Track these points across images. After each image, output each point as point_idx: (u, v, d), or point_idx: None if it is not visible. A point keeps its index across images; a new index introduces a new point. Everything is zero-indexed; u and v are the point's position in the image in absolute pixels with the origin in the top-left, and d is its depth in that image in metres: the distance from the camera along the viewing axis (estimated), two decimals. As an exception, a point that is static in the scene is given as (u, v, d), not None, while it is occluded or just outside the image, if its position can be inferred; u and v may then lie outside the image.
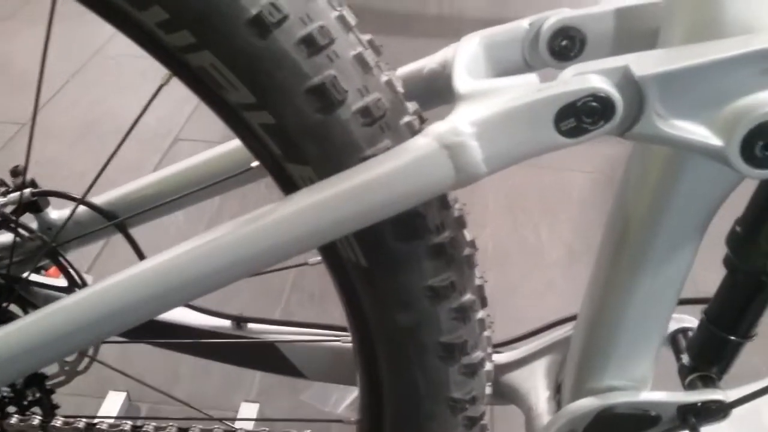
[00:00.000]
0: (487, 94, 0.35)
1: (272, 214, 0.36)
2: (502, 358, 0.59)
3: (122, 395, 1.09)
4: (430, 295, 0.44)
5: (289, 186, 0.42)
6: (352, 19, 0.40)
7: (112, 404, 1.09)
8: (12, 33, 2.07)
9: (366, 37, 0.41)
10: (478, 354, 0.48)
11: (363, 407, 0.54)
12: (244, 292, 1.26)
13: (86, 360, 0.66)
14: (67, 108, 1.77)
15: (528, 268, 1.37)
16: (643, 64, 0.33)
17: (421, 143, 0.35)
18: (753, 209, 0.43)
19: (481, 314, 0.48)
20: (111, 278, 0.37)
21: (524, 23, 0.43)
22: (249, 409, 1.06)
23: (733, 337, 0.46)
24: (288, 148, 0.40)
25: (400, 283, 0.43)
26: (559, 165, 1.61)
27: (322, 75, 0.37)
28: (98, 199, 0.58)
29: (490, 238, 1.45)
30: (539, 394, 0.55)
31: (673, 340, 0.52)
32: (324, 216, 0.36)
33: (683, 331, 0.52)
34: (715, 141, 0.34)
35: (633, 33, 0.41)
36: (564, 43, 0.42)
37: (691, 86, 0.34)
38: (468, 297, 0.45)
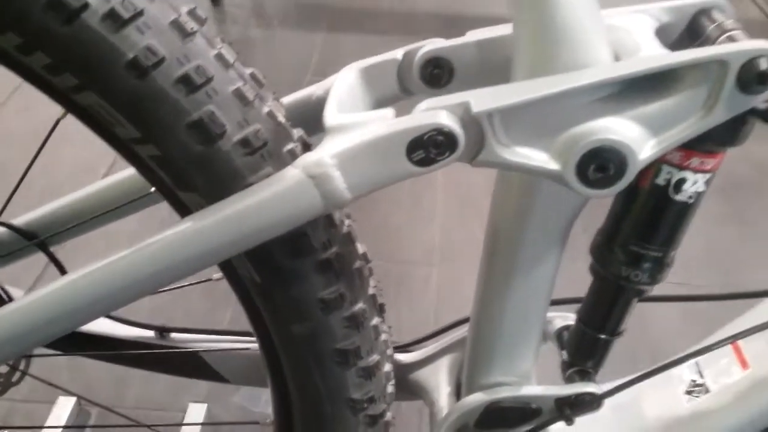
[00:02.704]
0: (348, 127, 0.39)
1: (164, 239, 0.40)
2: (408, 357, 0.63)
3: (72, 400, 1.11)
4: (322, 306, 0.47)
5: (184, 211, 0.45)
6: (231, 56, 0.43)
7: (62, 410, 1.11)
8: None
9: (248, 71, 0.44)
10: (374, 357, 0.52)
11: (275, 409, 0.57)
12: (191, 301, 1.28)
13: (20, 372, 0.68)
14: (18, 113, 1.77)
15: (474, 260, 1.42)
16: (482, 100, 0.37)
17: (291, 174, 0.39)
18: (610, 221, 0.47)
19: (375, 321, 0.51)
20: (26, 297, 0.40)
21: (398, 54, 0.47)
22: (196, 410, 1.09)
23: (602, 336, 0.51)
24: (176, 178, 0.43)
25: (292, 296, 0.47)
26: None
27: (201, 111, 0.40)
28: (19, 219, 0.60)
29: (438, 232, 1.49)
30: (441, 390, 0.59)
31: (559, 336, 0.57)
32: (208, 240, 0.40)
33: (567, 328, 0.57)
34: (553, 165, 0.38)
35: (493, 62, 0.45)
36: (435, 72, 0.46)
37: (528, 118, 0.37)
38: (359, 306, 0.49)
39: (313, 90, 0.50)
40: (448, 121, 0.37)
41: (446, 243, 1.46)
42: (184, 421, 1.11)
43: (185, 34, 0.40)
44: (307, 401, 0.53)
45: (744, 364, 0.52)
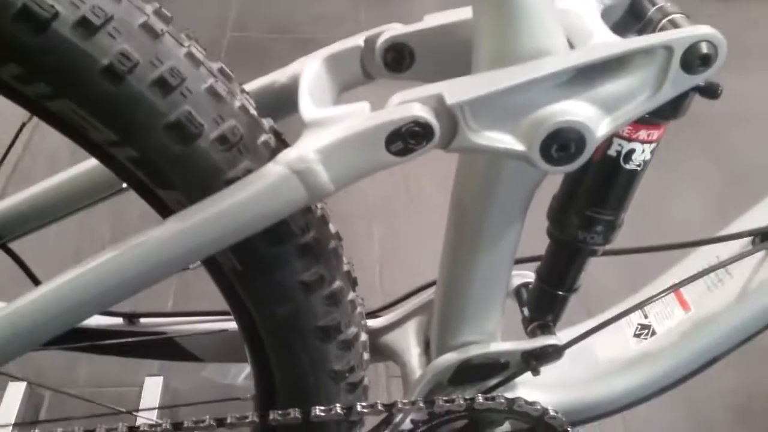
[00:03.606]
0: (327, 122, 0.41)
1: (151, 239, 0.41)
2: (378, 322, 0.66)
3: (22, 385, 1.10)
4: (303, 288, 0.49)
5: (161, 207, 0.46)
6: (200, 53, 0.43)
7: (14, 395, 1.09)
8: None
9: (216, 65, 0.45)
10: (352, 330, 0.54)
11: (257, 384, 0.60)
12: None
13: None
14: None
15: (411, 215, 1.46)
16: (454, 92, 0.39)
17: (276, 170, 0.40)
18: (565, 190, 0.51)
19: (351, 296, 0.54)
20: (5, 308, 0.41)
21: (359, 40, 0.48)
22: (153, 383, 1.10)
23: (560, 292, 0.55)
24: (155, 177, 0.43)
25: (275, 281, 0.49)
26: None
27: (178, 111, 0.41)
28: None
29: (378, 194, 1.51)
30: (411, 352, 0.63)
31: (517, 293, 0.61)
32: (196, 238, 0.41)
33: (525, 285, 0.61)
34: (519, 147, 0.41)
35: (451, 45, 0.47)
36: (396, 57, 0.48)
37: (496, 105, 0.40)
38: (337, 284, 0.51)
39: (275, 77, 0.51)
40: (423, 113, 0.39)
41: (385, 201, 1.48)
42: (142, 396, 1.12)
43: (155, 36, 0.40)
44: (290, 375, 0.55)
45: (685, 305, 0.58)
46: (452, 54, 0.47)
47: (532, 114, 0.41)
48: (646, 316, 0.60)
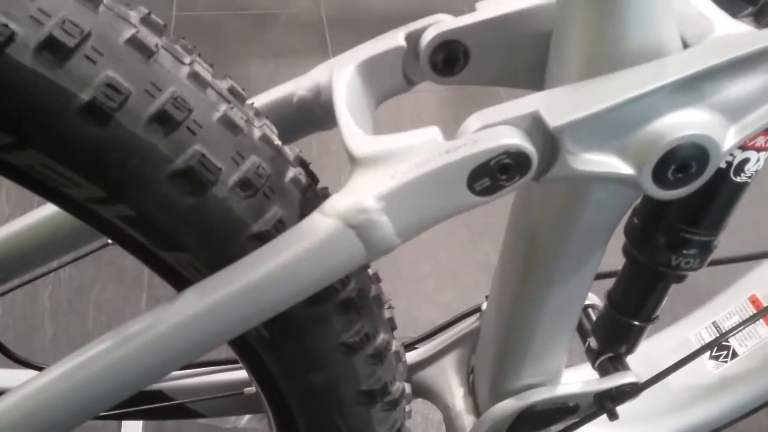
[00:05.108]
0: (387, 158, 0.31)
1: (166, 321, 0.31)
2: (411, 356, 0.57)
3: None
4: (344, 350, 0.40)
5: (164, 270, 0.36)
6: (205, 71, 0.33)
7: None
8: None
9: (225, 84, 0.34)
10: (398, 386, 0.46)
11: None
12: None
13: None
14: None
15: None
16: (554, 110, 0.30)
17: (325, 225, 0.31)
18: (651, 203, 0.42)
19: (395, 346, 0.45)
20: None
21: (399, 38, 0.38)
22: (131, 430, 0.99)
23: (636, 322, 0.47)
24: (157, 238, 0.33)
25: (309, 346, 0.39)
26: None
27: (187, 154, 0.31)
28: None
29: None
30: (454, 392, 0.54)
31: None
32: (226, 317, 0.31)
33: (585, 309, 0.53)
34: (626, 170, 0.32)
35: (518, 39, 0.37)
36: (447, 58, 0.38)
37: (602, 122, 0.31)
38: (381, 338, 0.42)
39: (292, 89, 0.40)
40: (516, 139, 0.30)
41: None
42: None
43: (149, 54, 0.30)
44: (326, 446, 0.46)
45: (773, 324, 0.50)
46: (517, 52, 0.38)
47: (644, 128, 0.32)
48: (724, 336, 0.53)
